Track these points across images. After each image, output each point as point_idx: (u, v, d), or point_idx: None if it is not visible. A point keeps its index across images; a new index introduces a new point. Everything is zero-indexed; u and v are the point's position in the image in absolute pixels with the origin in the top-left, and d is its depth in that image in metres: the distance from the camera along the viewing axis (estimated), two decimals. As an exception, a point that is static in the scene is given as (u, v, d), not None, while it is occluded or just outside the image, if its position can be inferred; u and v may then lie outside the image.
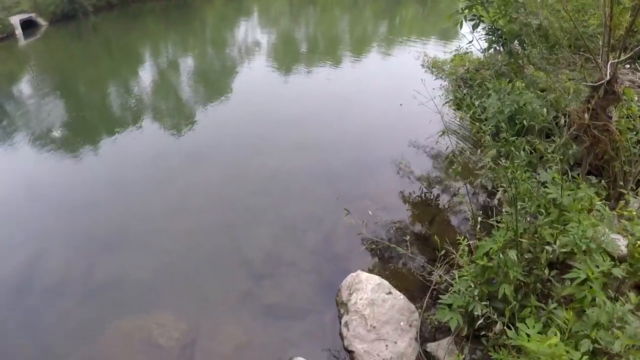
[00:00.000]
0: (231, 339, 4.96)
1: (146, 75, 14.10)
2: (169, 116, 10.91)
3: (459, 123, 9.20)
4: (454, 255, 4.61)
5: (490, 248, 3.91)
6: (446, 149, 7.19)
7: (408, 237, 4.57)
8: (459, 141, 8.67)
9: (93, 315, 5.20)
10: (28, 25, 18.11)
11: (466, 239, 4.43)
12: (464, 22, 6.22)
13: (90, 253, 6.11)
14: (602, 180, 5.71)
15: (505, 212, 4.55)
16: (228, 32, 20.21)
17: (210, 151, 8.79)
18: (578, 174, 5.45)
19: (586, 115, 4.92)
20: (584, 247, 3.79)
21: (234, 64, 15.44)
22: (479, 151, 5.41)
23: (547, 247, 3.93)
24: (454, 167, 5.21)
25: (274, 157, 8.49)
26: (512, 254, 3.81)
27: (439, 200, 7.15)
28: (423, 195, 7.26)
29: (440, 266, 4.75)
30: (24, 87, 13.24)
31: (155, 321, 5.03)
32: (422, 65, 11.28)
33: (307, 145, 8.94)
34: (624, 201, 5.29)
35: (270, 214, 6.88)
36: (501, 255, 3.86)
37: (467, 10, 6.20)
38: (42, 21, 18.77)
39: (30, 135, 9.86)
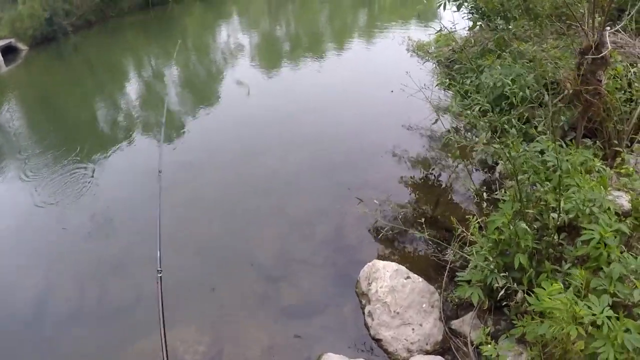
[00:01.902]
0: (256, 344, 4.99)
1: (131, 89, 14.00)
2: (158, 129, 10.70)
3: (450, 101, 9.30)
4: (464, 234, 4.73)
5: (502, 222, 4.02)
6: (442, 132, 7.26)
7: (423, 220, 4.63)
8: (453, 119, 8.78)
9: (112, 339, 5.13)
10: (8, 51, 17.80)
11: (475, 217, 4.55)
12: (447, 3, 6.30)
13: (100, 276, 6.05)
14: (597, 142, 5.85)
15: (510, 185, 4.66)
16: (210, 38, 20.16)
17: (205, 159, 8.81)
18: (572, 139, 5.57)
19: (576, 81, 5.02)
20: (587, 211, 3.92)
21: (219, 69, 15.42)
22: (476, 131, 5.52)
23: (552, 214, 4.05)
24: (452, 151, 5.29)
25: (271, 156, 8.55)
26: (522, 224, 3.93)
27: (440, 180, 7.27)
28: (425, 177, 7.37)
29: (454, 245, 4.86)
30: (5, 117, 12.97)
31: (177, 337, 5.00)
32: (407, 50, 11.35)
33: (303, 141, 9.02)
34: (620, 159, 5.42)
35: (275, 213, 6.95)
36: (511, 227, 3.98)
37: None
38: (22, 46, 18.46)
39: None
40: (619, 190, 5.26)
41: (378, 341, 4.77)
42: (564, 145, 4.90)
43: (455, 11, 6.63)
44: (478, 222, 4.46)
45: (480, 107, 4.59)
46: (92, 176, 8.60)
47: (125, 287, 5.85)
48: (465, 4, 6.43)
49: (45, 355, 5.17)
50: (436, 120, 5.36)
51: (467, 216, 4.81)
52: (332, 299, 5.41)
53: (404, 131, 8.77)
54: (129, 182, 8.39)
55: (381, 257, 5.51)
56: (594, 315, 3.29)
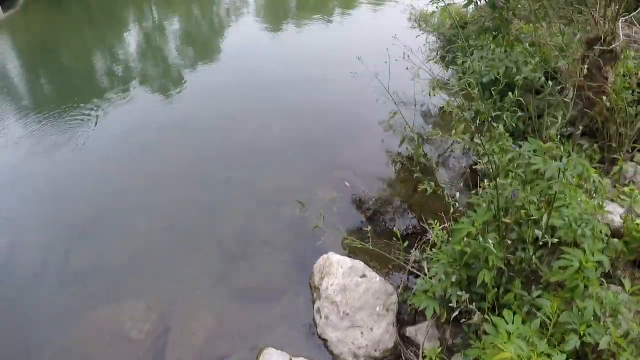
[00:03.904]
0: (204, 328, 4.70)
1: (124, 43, 13.30)
2: (141, 88, 10.02)
3: (446, 80, 8.71)
4: (430, 236, 4.27)
5: (469, 232, 3.55)
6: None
7: (377, 229, 4.17)
8: (447, 97, 8.25)
9: (69, 305, 4.93)
10: (6, -3, 17.07)
11: (437, 222, 4.05)
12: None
13: (67, 239, 5.76)
14: (595, 144, 5.35)
15: (488, 186, 4.14)
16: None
17: (185, 121, 8.28)
18: (569, 137, 5.06)
19: (579, 75, 4.46)
20: (579, 232, 3.44)
21: (218, 26, 14.68)
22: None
23: (537, 230, 3.57)
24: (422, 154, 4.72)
25: (251, 124, 8.03)
26: (492, 239, 3.46)
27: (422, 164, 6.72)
28: (406, 160, 6.84)
29: (418, 246, 4.43)
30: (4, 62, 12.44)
31: (127, 312, 4.77)
32: (409, 19, 10.55)
33: (287, 110, 8.46)
34: (619, 167, 4.96)
35: (245, 187, 6.52)
36: (481, 239, 3.51)
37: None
38: (20, -8, 17.70)
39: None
40: (612, 201, 4.82)
41: (324, 341, 4.40)
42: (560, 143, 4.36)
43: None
44: (444, 229, 3.98)
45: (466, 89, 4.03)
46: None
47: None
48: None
49: None
50: (394, 114, 4.67)
51: (439, 213, 4.35)
52: (287, 287, 5.06)
53: (391, 106, 8.16)
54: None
55: (342, 248, 5.07)
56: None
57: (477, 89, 3.82)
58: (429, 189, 4.05)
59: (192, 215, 6.11)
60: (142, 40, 13.61)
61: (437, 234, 3.91)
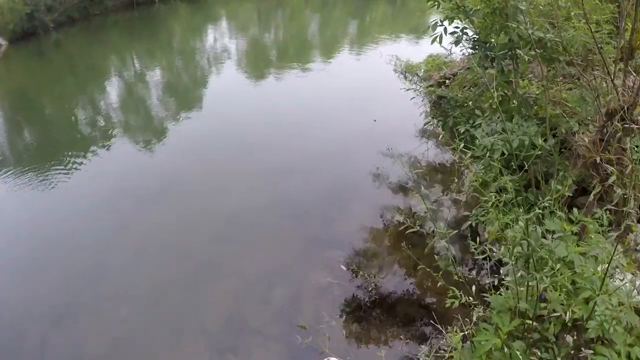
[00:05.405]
0: None
1: (105, 94, 13.02)
2: (121, 145, 9.60)
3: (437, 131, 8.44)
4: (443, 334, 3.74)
5: (494, 344, 3.03)
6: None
7: (378, 318, 3.61)
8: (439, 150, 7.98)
9: None
10: (-14, 46, 16.97)
11: (456, 329, 3.50)
12: (444, 35, 5.34)
13: (42, 324, 5.29)
14: (606, 210, 4.96)
15: (506, 277, 3.64)
16: (194, 42, 19.16)
17: (165, 188, 7.75)
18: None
19: (596, 148, 4.08)
20: (611, 330, 2.98)
21: (199, 79, 14.46)
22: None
23: (568, 336, 3.08)
24: (440, 258, 4.31)
25: (234, 192, 7.55)
26: (518, 347, 2.95)
27: (421, 234, 6.19)
28: (403, 231, 6.26)
29: (429, 346, 3.89)
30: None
31: None
32: (395, 71, 10.23)
33: (271, 175, 7.97)
34: (632, 235, 4.56)
35: (231, 266, 6.00)
36: (505, 350, 2.99)
37: (447, 22, 5.35)
38: (1, 40, 17.58)
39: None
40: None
41: None
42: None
43: (451, 43, 5.67)
44: (462, 337, 3.44)
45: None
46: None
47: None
48: (465, 36, 5.41)
49: None
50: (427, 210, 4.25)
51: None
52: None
53: (384, 167, 7.75)
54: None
55: (338, 343, 4.48)
56: None
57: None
58: (456, 302, 3.54)
59: (176, 298, 5.56)
60: (123, 92, 13.35)
61: (456, 344, 3.35)
